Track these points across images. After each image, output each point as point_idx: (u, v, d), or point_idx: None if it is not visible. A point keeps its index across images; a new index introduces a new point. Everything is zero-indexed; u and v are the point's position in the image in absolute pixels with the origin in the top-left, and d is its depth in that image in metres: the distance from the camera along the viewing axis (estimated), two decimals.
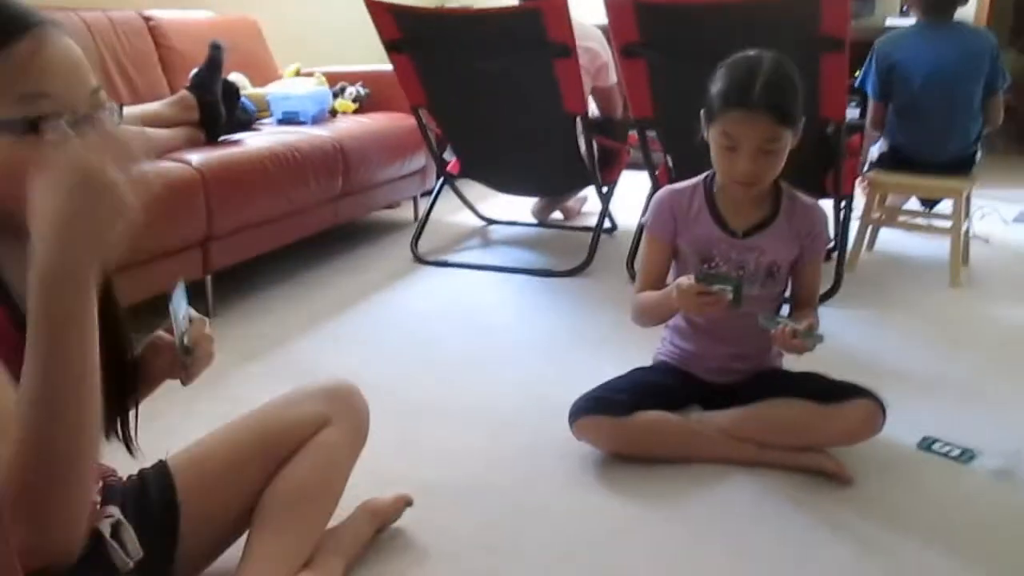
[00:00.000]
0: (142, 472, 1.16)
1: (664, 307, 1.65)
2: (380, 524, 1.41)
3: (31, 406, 0.72)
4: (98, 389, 0.75)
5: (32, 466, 0.72)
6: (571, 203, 3.73)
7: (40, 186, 0.73)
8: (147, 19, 3.06)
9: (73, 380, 0.74)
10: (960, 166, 2.90)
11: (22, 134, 0.79)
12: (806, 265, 1.71)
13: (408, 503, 1.46)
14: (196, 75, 2.70)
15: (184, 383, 1.11)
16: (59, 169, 0.73)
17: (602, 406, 1.65)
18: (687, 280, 1.52)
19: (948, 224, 2.87)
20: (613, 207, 3.22)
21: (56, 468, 0.73)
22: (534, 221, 3.63)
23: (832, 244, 2.88)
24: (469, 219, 3.63)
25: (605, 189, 3.06)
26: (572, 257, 2.99)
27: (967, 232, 3.00)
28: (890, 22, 4.36)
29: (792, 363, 1.75)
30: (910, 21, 3.56)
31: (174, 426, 1.55)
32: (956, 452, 1.70)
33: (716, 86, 1.57)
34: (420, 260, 3.08)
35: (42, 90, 0.80)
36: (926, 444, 1.74)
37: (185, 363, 1.09)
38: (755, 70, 1.53)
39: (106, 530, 0.97)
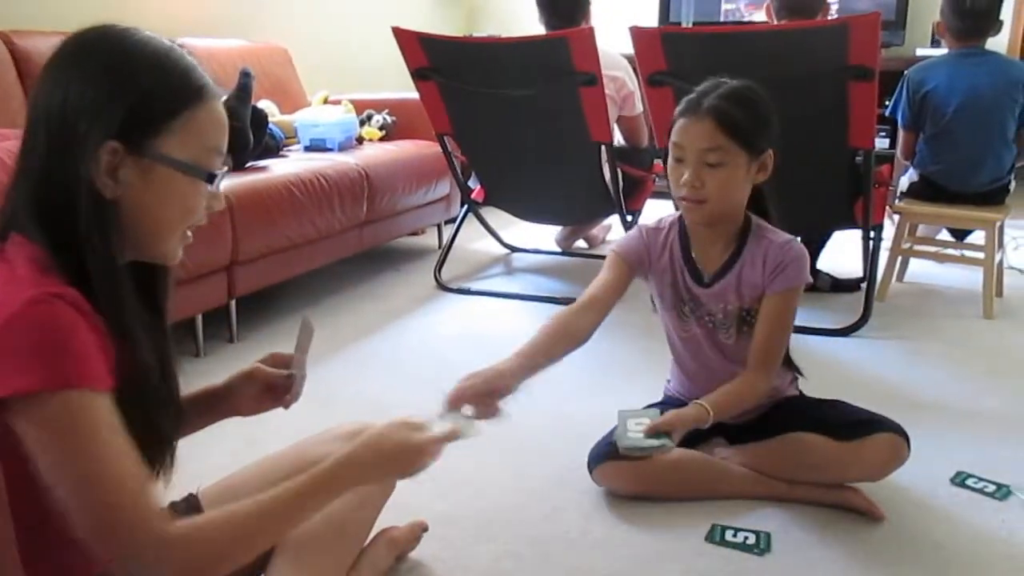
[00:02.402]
0: (173, 505, 1.15)
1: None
2: (399, 552, 1.40)
3: (265, 514, 0.89)
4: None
5: (237, 544, 0.86)
6: (595, 231, 3.71)
7: (366, 442, 0.98)
8: (180, 46, 3.09)
9: (304, 515, 0.93)
10: (993, 196, 2.85)
11: (201, 180, 0.91)
12: (766, 305, 1.53)
13: (424, 529, 1.45)
14: (225, 102, 2.71)
15: (286, 407, 1.17)
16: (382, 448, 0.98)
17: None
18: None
19: (981, 255, 2.83)
20: None
21: (251, 552, 0.88)
22: (558, 249, 3.63)
23: (861, 275, 2.85)
24: (493, 247, 3.63)
25: (630, 217, 3.04)
26: None
27: (1001, 263, 2.95)
28: (920, 52, 4.33)
29: (813, 390, 1.71)
30: (941, 51, 3.53)
31: (202, 454, 1.53)
32: (991, 488, 1.66)
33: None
34: (443, 287, 3.07)
35: (219, 146, 0.94)
36: (960, 479, 1.69)
37: (295, 387, 1.16)
38: (715, 87, 1.49)
39: None
